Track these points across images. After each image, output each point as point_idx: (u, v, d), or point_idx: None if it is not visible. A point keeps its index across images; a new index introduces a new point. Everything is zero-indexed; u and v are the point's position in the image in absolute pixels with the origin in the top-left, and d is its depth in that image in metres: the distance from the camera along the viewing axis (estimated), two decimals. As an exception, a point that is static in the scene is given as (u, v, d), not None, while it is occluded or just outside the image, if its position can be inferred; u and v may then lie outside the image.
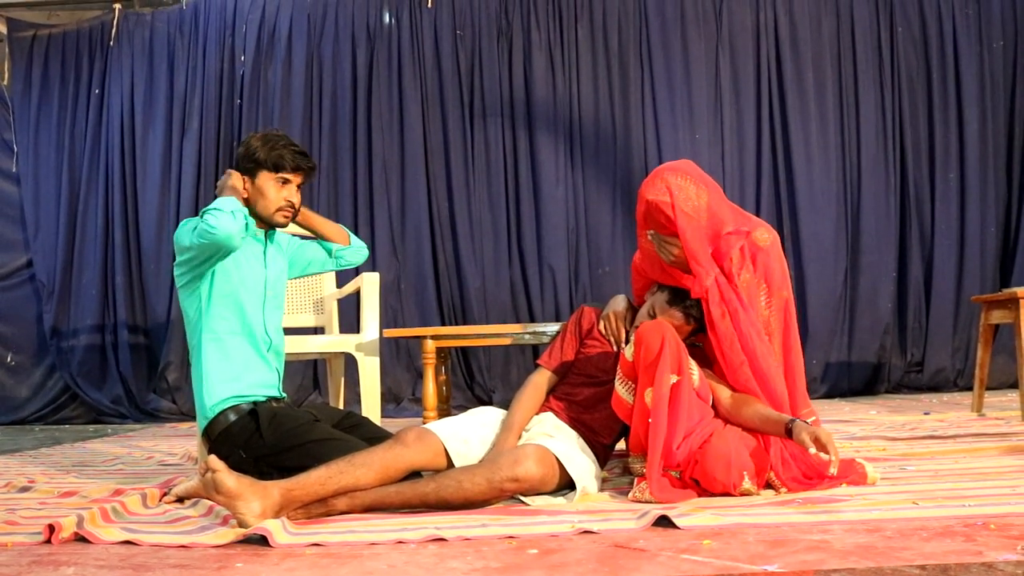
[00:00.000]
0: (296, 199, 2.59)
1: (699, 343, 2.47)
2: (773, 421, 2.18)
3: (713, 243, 2.31)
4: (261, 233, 2.64)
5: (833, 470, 2.02)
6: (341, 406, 3.78)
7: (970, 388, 4.61)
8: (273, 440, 2.36)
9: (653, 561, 1.57)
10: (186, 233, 2.45)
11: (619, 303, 2.55)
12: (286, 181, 2.56)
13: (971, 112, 5.83)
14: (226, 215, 2.36)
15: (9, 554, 1.80)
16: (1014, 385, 5.35)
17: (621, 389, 2.29)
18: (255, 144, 2.55)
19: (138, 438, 4.65)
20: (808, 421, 2.25)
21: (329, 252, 2.90)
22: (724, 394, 2.32)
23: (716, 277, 2.28)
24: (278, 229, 2.67)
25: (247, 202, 2.57)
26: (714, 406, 2.32)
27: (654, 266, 2.46)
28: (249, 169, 2.56)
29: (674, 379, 2.16)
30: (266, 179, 2.54)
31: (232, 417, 2.44)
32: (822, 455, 2.03)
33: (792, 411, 2.28)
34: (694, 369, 2.25)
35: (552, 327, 3.30)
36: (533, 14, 6.02)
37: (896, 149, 5.89)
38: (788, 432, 2.12)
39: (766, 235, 2.36)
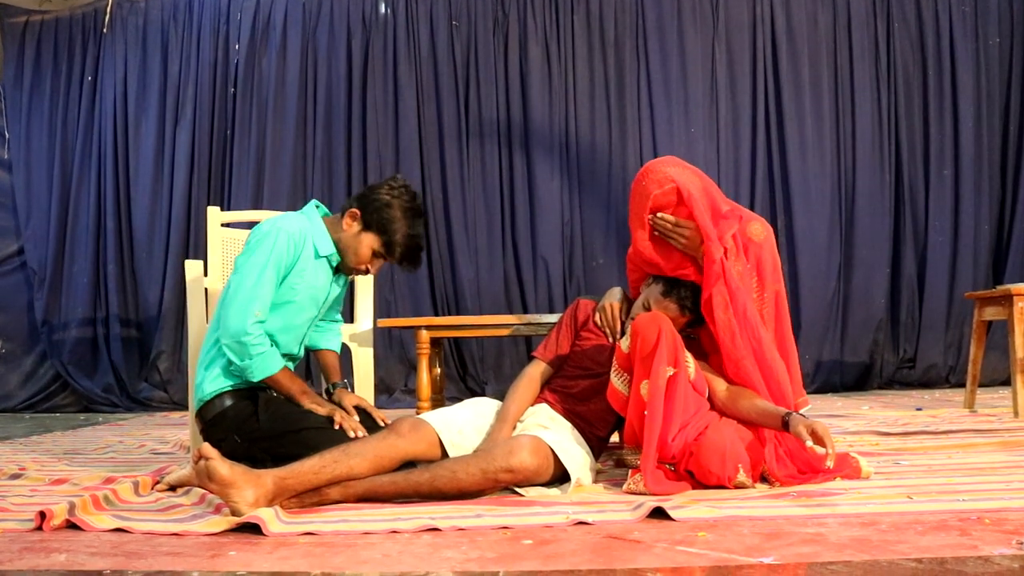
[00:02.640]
0: (375, 271, 2.56)
1: (695, 335, 2.47)
2: (770, 414, 2.17)
3: (713, 224, 2.32)
4: (336, 259, 2.56)
5: (830, 463, 2.02)
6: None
7: (962, 385, 4.62)
8: (269, 425, 2.35)
9: (648, 552, 1.57)
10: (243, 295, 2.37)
11: (615, 295, 2.55)
12: (382, 258, 2.51)
13: (966, 109, 5.84)
14: (262, 370, 2.37)
15: (0, 540, 1.79)
16: (1006, 382, 5.35)
17: (616, 380, 2.28)
18: (397, 214, 2.44)
19: (129, 427, 4.63)
20: (802, 411, 2.25)
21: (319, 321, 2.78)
22: (720, 387, 2.31)
23: (721, 258, 2.28)
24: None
25: (339, 235, 2.50)
26: (710, 399, 2.31)
27: (649, 260, 2.44)
28: (370, 222, 2.46)
29: (670, 371, 2.16)
30: (372, 242, 2.47)
31: (228, 401, 2.42)
32: (818, 449, 2.03)
33: (789, 399, 2.28)
34: (690, 362, 2.24)
35: (547, 319, 3.29)
36: (529, 5, 6.00)
37: (891, 145, 5.90)
38: (785, 425, 2.12)
39: (760, 229, 2.36)
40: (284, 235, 2.40)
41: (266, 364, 2.38)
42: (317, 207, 2.59)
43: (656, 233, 2.37)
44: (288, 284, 2.46)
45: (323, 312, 2.67)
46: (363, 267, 2.52)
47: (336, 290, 2.65)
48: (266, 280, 2.37)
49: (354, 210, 2.47)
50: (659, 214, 2.33)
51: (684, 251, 2.36)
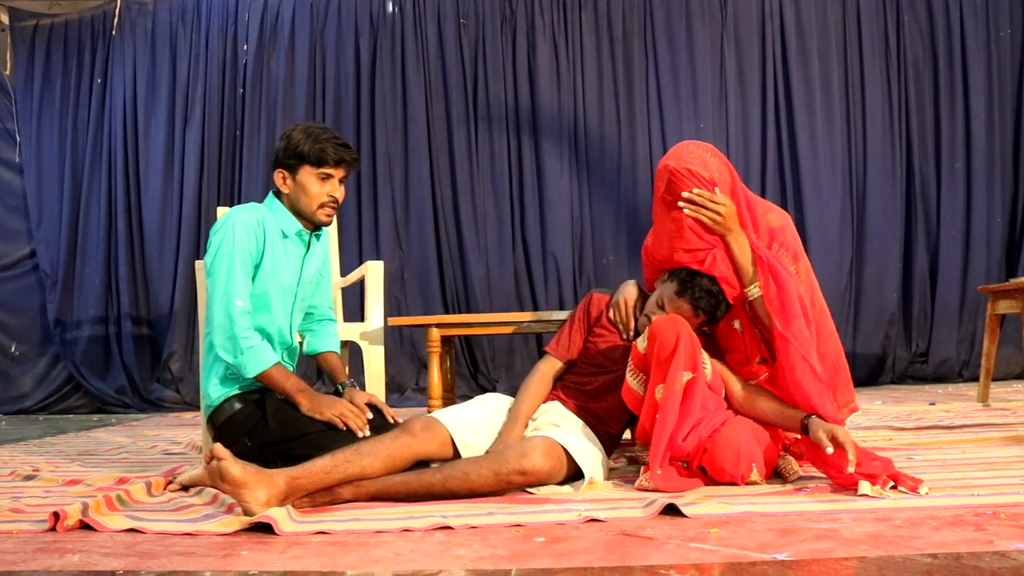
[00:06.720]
0: (339, 194, 2.49)
1: (711, 332, 2.44)
2: (788, 416, 2.15)
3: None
4: (307, 234, 2.55)
5: (851, 469, 1.99)
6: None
7: (975, 379, 4.59)
8: (279, 429, 2.35)
9: (661, 549, 1.56)
10: (220, 292, 2.37)
11: (629, 289, 2.50)
12: (328, 176, 2.46)
13: (978, 101, 5.80)
14: (255, 365, 2.35)
15: (15, 541, 1.80)
16: (1020, 376, 5.34)
17: (632, 380, 2.27)
18: (297, 138, 2.44)
19: (142, 427, 4.64)
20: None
21: (314, 315, 2.77)
22: (737, 386, 2.29)
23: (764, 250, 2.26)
24: (322, 227, 2.57)
25: (289, 199, 2.49)
26: (726, 397, 2.29)
27: (670, 243, 2.36)
28: (291, 165, 2.46)
29: (688, 376, 2.14)
30: (308, 174, 2.44)
31: (237, 405, 2.43)
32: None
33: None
34: (707, 363, 2.22)
35: (557, 315, 3.28)
36: (537, 2, 5.99)
37: (902, 138, 5.86)
38: (804, 428, 2.10)
39: (778, 218, 2.34)
40: (240, 224, 2.40)
41: (259, 358, 2.36)
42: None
43: (686, 212, 2.26)
44: (262, 272, 2.45)
45: (308, 295, 2.64)
46: (324, 200, 2.47)
47: (312, 267, 2.61)
48: (237, 269, 2.37)
49: (276, 172, 2.49)
50: (695, 189, 2.24)
51: (713, 229, 2.27)
